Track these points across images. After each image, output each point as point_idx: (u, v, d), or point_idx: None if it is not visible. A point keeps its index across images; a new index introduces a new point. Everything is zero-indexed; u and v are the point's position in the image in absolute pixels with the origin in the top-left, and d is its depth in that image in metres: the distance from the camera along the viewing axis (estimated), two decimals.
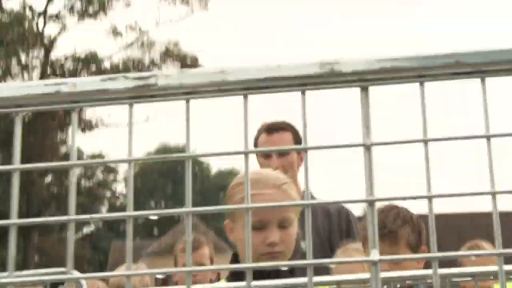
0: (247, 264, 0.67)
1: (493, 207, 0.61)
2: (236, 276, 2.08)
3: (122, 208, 42.18)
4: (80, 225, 34.73)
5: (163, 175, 42.62)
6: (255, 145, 3.27)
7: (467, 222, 23.37)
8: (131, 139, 0.71)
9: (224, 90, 0.67)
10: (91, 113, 27.03)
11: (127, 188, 0.65)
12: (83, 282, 1.64)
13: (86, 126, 26.58)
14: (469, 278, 1.59)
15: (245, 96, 0.66)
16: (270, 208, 1.80)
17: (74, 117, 0.65)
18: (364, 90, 0.64)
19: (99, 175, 36.05)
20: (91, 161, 0.69)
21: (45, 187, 28.45)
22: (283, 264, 0.72)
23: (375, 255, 0.64)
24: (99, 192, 36.18)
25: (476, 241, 3.98)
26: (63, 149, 28.39)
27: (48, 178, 29.52)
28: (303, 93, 0.68)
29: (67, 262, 0.65)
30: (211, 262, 3.91)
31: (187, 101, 0.67)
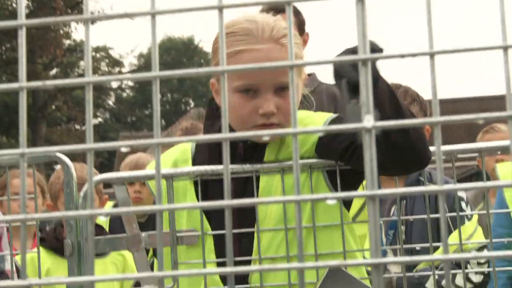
0: (223, 134, 0.61)
1: (504, 63, 0.58)
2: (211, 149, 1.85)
3: (128, 100, 49.13)
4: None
5: (168, 67, 43.79)
6: None
7: (475, 106, 22.92)
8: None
9: None
10: (93, 4, 28.48)
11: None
12: (66, 159, 1.58)
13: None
14: (476, 155, 1.60)
15: None
16: (265, 70, 1.63)
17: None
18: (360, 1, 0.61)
19: (104, 68, 36.40)
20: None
21: (50, 79, 27.69)
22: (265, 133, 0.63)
23: (369, 121, 0.62)
24: (104, 84, 39.97)
25: (492, 125, 4.06)
26: (66, 42, 30.23)
27: (53, 71, 31.59)
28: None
29: (20, 140, 0.63)
30: None
31: None
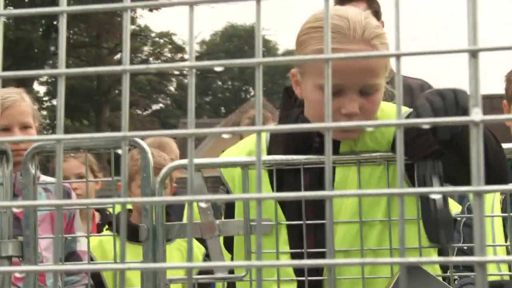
0: (325, 124, 0.63)
1: None
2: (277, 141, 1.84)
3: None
4: (149, 102, 38.33)
5: (229, 54, 43.83)
6: None
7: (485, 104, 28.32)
8: None
9: None
10: None
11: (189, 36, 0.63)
12: (144, 144, 1.57)
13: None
14: None
15: None
16: (351, 73, 1.66)
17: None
18: None
19: (167, 54, 36.65)
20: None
21: (115, 64, 30.05)
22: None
23: (477, 113, 0.60)
24: (167, 70, 41.46)
25: None
26: (132, 27, 30.82)
27: (118, 56, 31.52)
28: None
29: (122, 124, 0.62)
30: None
31: None
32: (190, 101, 0.66)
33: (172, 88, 46.13)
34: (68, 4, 0.65)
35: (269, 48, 48.54)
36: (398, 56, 0.65)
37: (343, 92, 1.70)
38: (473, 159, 0.64)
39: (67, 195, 2.60)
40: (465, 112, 1.50)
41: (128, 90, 0.65)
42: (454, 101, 1.51)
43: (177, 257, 3.08)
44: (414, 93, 3.14)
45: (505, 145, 1.63)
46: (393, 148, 1.73)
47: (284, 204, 1.75)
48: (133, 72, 0.66)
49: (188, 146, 0.65)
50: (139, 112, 34.55)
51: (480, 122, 0.62)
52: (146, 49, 37.13)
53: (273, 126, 0.67)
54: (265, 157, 1.72)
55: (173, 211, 3.34)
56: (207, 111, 48.16)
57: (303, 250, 1.68)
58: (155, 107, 41.63)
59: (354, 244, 1.73)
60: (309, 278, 1.67)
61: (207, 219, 1.58)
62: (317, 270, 1.71)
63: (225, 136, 0.66)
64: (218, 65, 0.69)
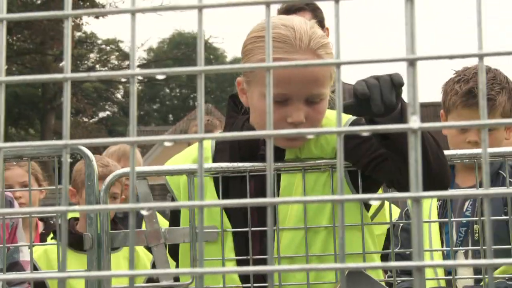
0: (267, 131, 0.61)
1: None
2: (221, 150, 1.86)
3: (137, 94, 52.98)
4: (96, 110, 37.68)
5: (177, 62, 43.76)
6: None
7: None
8: None
9: None
10: None
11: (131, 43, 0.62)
12: (88, 152, 1.56)
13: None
14: None
15: None
16: (297, 83, 1.68)
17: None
18: None
19: (114, 61, 36.01)
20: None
21: (60, 71, 27.19)
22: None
23: (415, 121, 0.61)
24: (111, 78, 39.80)
25: None
26: (77, 34, 30.20)
27: (63, 62, 35.26)
28: None
29: (63, 132, 0.62)
30: None
31: None
32: (132, 109, 0.66)
33: (119, 96, 45.66)
34: (11, 10, 0.64)
35: (217, 56, 48.91)
36: (338, 65, 0.66)
37: (290, 101, 1.72)
38: (411, 166, 0.65)
39: (9, 204, 2.55)
40: (398, 87, 1.55)
41: (70, 98, 0.66)
42: (389, 78, 1.55)
43: (124, 265, 3.05)
44: None
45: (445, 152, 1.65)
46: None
47: (229, 212, 1.75)
48: (74, 80, 0.66)
49: (130, 153, 0.65)
50: (85, 119, 34.15)
51: (418, 129, 0.62)
52: (93, 56, 36.69)
53: (216, 134, 0.67)
54: (210, 164, 1.73)
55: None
56: (155, 118, 48.14)
57: (248, 257, 1.69)
58: (102, 114, 41.49)
59: (299, 250, 1.74)
60: (255, 285, 1.68)
61: (152, 227, 1.57)
62: (263, 277, 1.71)
63: (167, 144, 0.66)
64: (160, 73, 0.69)
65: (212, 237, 1.66)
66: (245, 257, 1.70)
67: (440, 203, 2.35)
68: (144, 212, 1.36)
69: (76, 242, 2.63)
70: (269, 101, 0.64)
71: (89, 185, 1.53)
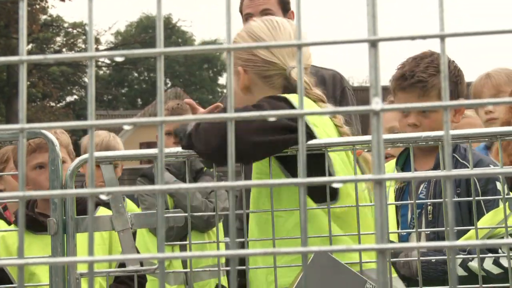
0: (229, 114, 0.61)
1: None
2: None
3: (105, 78, 48.21)
4: (63, 94, 37.78)
5: (145, 45, 41.77)
6: (240, 11, 3.44)
7: None
8: None
9: None
10: None
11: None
12: (52, 137, 1.55)
13: None
14: None
15: None
16: None
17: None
18: None
19: (81, 45, 35.07)
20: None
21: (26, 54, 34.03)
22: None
23: (377, 104, 0.61)
24: (81, 61, 35.41)
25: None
26: (42, 17, 29.35)
27: (29, 46, 31.08)
28: None
29: (19, 116, 0.60)
30: None
31: None
32: (90, 92, 0.65)
33: (86, 80, 44.69)
34: None
35: (186, 40, 48.69)
36: (299, 46, 0.65)
37: None
38: (373, 148, 0.64)
39: None
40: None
41: (25, 80, 0.64)
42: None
43: (97, 241, 2.99)
44: (327, 83, 3.20)
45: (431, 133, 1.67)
46: None
47: None
48: (30, 62, 0.64)
49: (90, 137, 0.63)
50: (52, 104, 33.70)
51: (380, 111, 0.62)
52: (59, 39, 36.13)
53: (177, 117, 0.66)
54: (171, 149, 1.74)
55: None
56: (124, 103, 47.67)
57: (215, 241, 1.72)
58: (69, 98, 41.06)
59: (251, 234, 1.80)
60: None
61: (118, 212, 1.55)
62: (242, 260, 1.78)
63: (126, 127, 0.65)
64: (118, 55, 0.67)
65: (179, 221, 1.65)
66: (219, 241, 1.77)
67: (397, 186, 2.42)
68: (103, 197, 1.35)
69: (35, 224, 2.60)
70: (229, 87, 0.65)
71: (53, 170, 1.50)
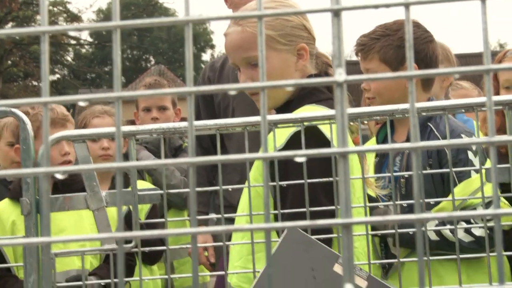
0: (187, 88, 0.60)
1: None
2: None
3: (87, 56, 48.92)
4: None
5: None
6: None
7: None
8: None
9: None
10: None
11: None
12: (22, 115, 1.52)
13: None
14: (440, 112, 1.56)
15: None
16: (230, 52, 2.00)
17: None
18: None
19: (62, 23, 34.91)
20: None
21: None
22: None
23: (340, 75, 0.60)
24: (63, 40, 36.52)
25: (457, 81, 3.80)
26: None
27: (8, 25, 30.65)
28: None
29: None
30: (173, 105, 3.93)
31: None
32: (44, 68, 0.61)
33: (69, 58, 45.77)
34: None
35: (168, 16, 47.82)
36: (260, 17, 0.63)
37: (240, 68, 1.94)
38: (337, 121, 0.63)
39: None
40: None
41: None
42: None
43: (89, 229, 2.96)
44: None
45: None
46: None
47: None
48: None
49: (44, 115, 0.61)
50: (35, 83, 33.49)
51: (343, 82, 0.60)
52: (39, 17, 35.64)
53: (134, 92, 0.64)
54: (149, 126, 1.71)
55: None
56: (107, 81, 47.45)
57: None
58: (52, 77, 40.62)
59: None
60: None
61: (92, 191, 1.53)
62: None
63: (81, 103, 0.62)
64: (74, 29, 0.65)
65: (154, 199, 1.63)
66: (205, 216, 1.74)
67: (377, 160, 2.40)
68: (59, 176, 1.33)
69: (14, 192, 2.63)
70: (261, 51, 0.63)
71: (25, 149, 1.48)
